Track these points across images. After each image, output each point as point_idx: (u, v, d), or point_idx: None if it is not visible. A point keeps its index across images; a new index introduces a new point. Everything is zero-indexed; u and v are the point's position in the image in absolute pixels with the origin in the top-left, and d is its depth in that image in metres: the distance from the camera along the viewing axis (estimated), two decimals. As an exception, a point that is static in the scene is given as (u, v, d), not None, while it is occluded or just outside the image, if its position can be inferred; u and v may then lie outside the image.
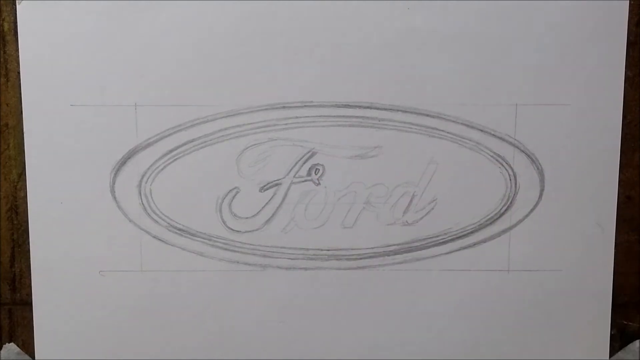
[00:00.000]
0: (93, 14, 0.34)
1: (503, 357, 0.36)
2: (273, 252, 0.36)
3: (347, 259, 0.36)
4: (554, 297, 0.36)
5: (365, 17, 0.34)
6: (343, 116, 0.35)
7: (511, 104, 0.35)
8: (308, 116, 0.35)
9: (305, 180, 0.35)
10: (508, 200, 0.35)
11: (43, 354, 0.36)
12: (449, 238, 0.36)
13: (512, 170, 0.35)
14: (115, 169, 0.35)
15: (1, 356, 0.36)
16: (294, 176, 0.35)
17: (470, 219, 0.35)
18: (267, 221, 0.35)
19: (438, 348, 0.36)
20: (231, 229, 0.35)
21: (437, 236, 0.35)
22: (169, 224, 0.35)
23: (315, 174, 0.35)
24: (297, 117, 0.35)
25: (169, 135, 0.35)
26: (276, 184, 0.35)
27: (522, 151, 0.35)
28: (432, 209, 0.35)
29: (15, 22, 0.34)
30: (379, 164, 0.35)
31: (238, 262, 0.36)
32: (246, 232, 0.35)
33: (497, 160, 0.35)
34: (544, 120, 0.35)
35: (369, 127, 0.35)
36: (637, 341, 0.37)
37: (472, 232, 0.36)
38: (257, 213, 0.35)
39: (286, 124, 0.35)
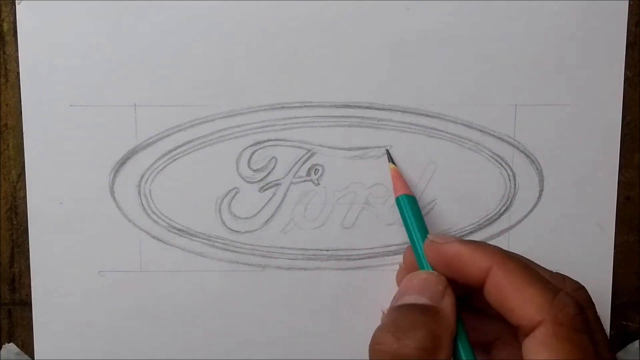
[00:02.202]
0: (93, 14, 0.34)
1: (502, 358, 0.36)
2: (272, 252, 0.36)
3: (347, 259, 0.36)
4: (553, 297, 0.36)
5: (365, 17, 0.34)
6: (342, 116, 0.35)
7: (510, 104, 0.35)
8: (307, 116, 0.35)
9: (305, 181, 0.35)
10: (507, 200, 0.35)
11: (42, 354, 0.36)
12: (449, 238, 0.35)
13: (512, 170, 0.35)
14: (114, 169, 0.35)
15: (1, 356, 0.36)
16: (294, 176, 0.35)
17: (470, 220, 0.35)
18: (267, 221, 0.35)
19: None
20: (231, 229, 0.35)
21: (437, 236, 0.35)
22: (168, 224, 0.35)
23: (315, 174, 0.35)
24: (296, 117, 0.35)
25: (169, 135, 0.35)
26: (275, 184, 0.35)
27: (522, 151, 0.35)
28: (432, 209, 0.35)
29: (14, 22, 0.34)
30: (378, 164, 0.35)
31: (238, 262, 0.36)
32: (246, 232, 0.35)
33: (496, 160, 0.35)
34: (544, 120, 0.35)
35: (369, 128, 0.35)
36: (637, 341, 0.37)
37: (471, 233, 0.35)
38: (257, 213, 0.35)
39: (285, 124, 0.35)
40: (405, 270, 0.33)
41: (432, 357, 0.27)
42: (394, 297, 0.30)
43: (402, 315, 0.28)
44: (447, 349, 0.28)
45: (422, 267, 0.31)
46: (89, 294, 0.36)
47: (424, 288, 0.29)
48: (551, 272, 0.30)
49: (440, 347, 0.27)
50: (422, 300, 0.29)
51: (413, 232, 0.32)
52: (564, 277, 0.30)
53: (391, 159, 0.34)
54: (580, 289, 0.30)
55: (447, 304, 0.29)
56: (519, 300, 0.27)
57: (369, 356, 0.28)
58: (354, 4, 0.34)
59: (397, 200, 0.33)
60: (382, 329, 0.28)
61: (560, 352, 0.26)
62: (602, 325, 0.29)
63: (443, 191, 0.35)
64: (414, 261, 0.32)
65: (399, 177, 0.34)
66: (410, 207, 0.33)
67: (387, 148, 0.34)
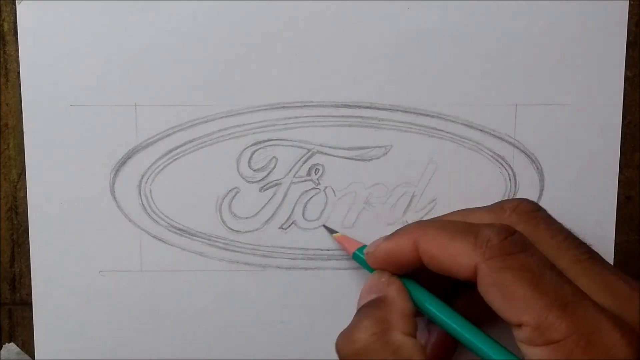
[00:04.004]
0: (93, 14, 0.34)
1: (503, 357, 0.36)
2: (273, 252, 0.36)
3: (347, 259, 0.36)
4: (553, 297, 0.36)
5: (365, 17, 0.34)
6: (343, 116, 0.35)
7: (511, 104, 0.35)
8: (308, 116, 0.35)
9: (305, 180, 0.35)
10: (508, 200, 0.35)
11: (43, 354, 0.36)
12: (449, 238, 0.35)
13: (512, 170, 0.35)
14: (115, 169, 0.35)
15: (1, 356, 0.36)
16: (294, 176, 0.35)
17: (470, 219, 0.35)
18: (267, 221, 0.35)
19: (438, 348, 0.36)
20: (231, 229, 0.35)
21: (437, 236, 0.35)
22: (168, 224, 0.35)
23: (315, 174, 0.35)
24: (296, 117, 0.35)
25: (169, 135, 0.35)
26: (276, 184, 0.35)
27: (522, 151, 0.35)
28: (432, 208, 0.35)
29: (15, 22, 0.34)
30: (378, 164, 0.35)
31: (238, 262, 0.36)
32: (246, 232, 0.35)
33: (496, 160, 0.35)
34: (544, 120, 0.35)
35: (369, 127, 0.35)
36: (637, 341, 0.37)
37: (471, 232, 0.35)
38: (257, 213, 0.35)
39: (286, 124, 0.35)
40: None
41: (386, 338, 0.28)
42: None
43: (355, 317, 0.30)
44: (400, 324, 0.28)
45: None
46: (90, 294, 0.36)
47: (371, 286, 0.31)
48: (489, 206, 0.31)
49: (390, 326, 0.28)
50: (371, 296, 0.30)
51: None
52: (501, 204, 0.31)
53: (331, 230, 0.35)
54: (521, 202, 0.31)
55: (392, 289, 0.30)
56: (449, 259, 0.28)
57: None
58: (355, 4, 0.34)
59: (355, 255, 0.34)
60: (339, 336, 0.29)
61: (506, 282, 0.26)
62: (558, 225, 0.30)
63: (443, 191, 0.35)
64: None
65: (346, 239, 0.35)
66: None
67: (323, 224, 0.35)
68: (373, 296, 0.30)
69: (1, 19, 0.34)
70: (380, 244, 0.31)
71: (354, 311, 0.36)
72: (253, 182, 0.35)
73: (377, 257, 0.31)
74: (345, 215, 0.35)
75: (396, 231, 0.31)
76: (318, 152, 0.35)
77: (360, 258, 0.33)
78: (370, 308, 0.29)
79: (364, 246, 0.33)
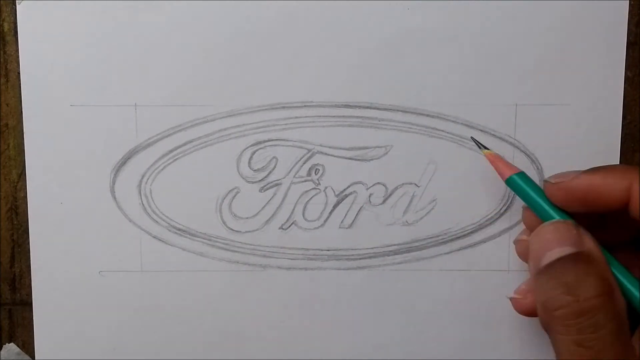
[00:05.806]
0: (93, 14, 0.34)
1: (503, 357, 0.36)
2: (273, 252, 0.36)
3: (347, 259, 0.36)
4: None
5: (365, 17, 0.34)
6: (343, 116, 0.35)
7: (511, 104, 0.35)
8: (308, 116, 0.35)
9: (305, 181, 0.35)
10: (508, 200, 0.35)
11: (43, 354, 0.36)
12: (449, 238, 0.36)
13: (512, 170, 0.35)
14: (115, 169, 0.35)
15: (1, 356, 0.36)
16: (294, 176, 0.35)
17: (470, 219, 0.35)
18: (267, 221, 0.35)
19: (438, 348, 0.36)
20: (231, 229, 0.35)
21: (437, 236, 0.36)
22: (169, 224, 0.35)
23: (315, 174, 0.35)
24: (296, 117, 0.35)
25: (169, 135, 0.35)
26: (276, 184, 0.35)
27: (522, 151, 0.35)
28: (432, 209, 0.35)
29: (15, 22, 0.34)
30: (378, 164, 0.35)
31: (238, 262, 0.36)
32: (246, 232, 0.35)
33: (497, 160, 0.35)
34: (544, 120, 0.35)
35: (369, 127, 0.35)
36: (637, 341, 0.37)
37: (472, 232, 0.36)
38: (257, 213, 0.35)
39: (286, 124, 0.35)
40: (528, 235, 0.30)
41: (613, 299, 0.25)
42: (530, 263, 0.28)
43: (560, 272, 0.26)
44: (617, 288, 0.26)
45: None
46: (90, 294, 0.36)
47: (560, 238, 0.27)
48: None
49: (613, 288, 0.26)
50: (567, 250, 0.26)
51: (535, 197, 0.30)
52: None
53: (482, 145, 0.32)
54: None
55: (591, 244, 0.27)
56: None
57: (550, 326, 0.26)
58: (354, 4, 0.34)
59: (510, 181, 0.31)
60: (552, 294, 0.26)
61: None
62: None
63: (443, 191, 0.35)
64: (534, 221, 0.30)
65: (500, 160, 0.32)
66: (524, 183, 0.30)
67: (471, 136, 0.34)
68: (570, 249, 0.26)
69: (1, 19, 0.34)
70: (580, 176, 0.27)
71: (354, 311, 0.36)
72: (253, 182, 0.35)
73: (573, 191, 0.27)
74: (346, 215, 0.35)
75: (597, 167, 0.28)
76: (318, 152, 0.35)
77: (517, 184, 0.30)
78: (580, 264, 0.26)
79: (521, 172, 0.30)
